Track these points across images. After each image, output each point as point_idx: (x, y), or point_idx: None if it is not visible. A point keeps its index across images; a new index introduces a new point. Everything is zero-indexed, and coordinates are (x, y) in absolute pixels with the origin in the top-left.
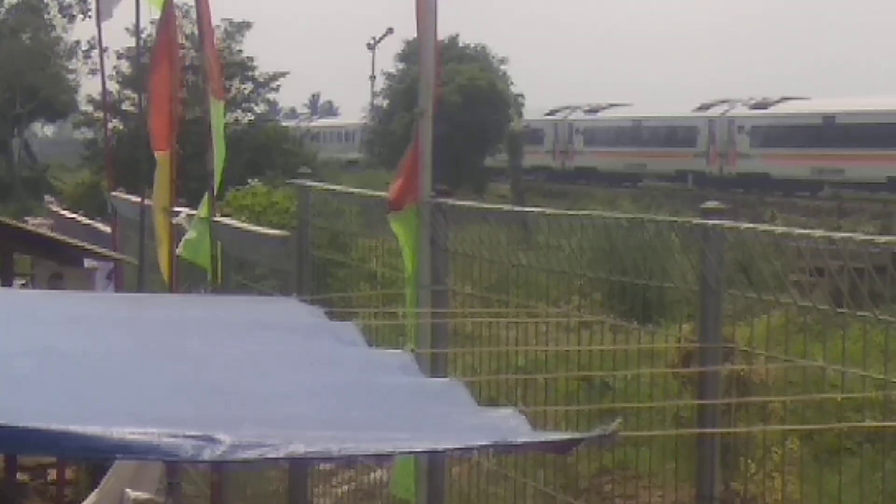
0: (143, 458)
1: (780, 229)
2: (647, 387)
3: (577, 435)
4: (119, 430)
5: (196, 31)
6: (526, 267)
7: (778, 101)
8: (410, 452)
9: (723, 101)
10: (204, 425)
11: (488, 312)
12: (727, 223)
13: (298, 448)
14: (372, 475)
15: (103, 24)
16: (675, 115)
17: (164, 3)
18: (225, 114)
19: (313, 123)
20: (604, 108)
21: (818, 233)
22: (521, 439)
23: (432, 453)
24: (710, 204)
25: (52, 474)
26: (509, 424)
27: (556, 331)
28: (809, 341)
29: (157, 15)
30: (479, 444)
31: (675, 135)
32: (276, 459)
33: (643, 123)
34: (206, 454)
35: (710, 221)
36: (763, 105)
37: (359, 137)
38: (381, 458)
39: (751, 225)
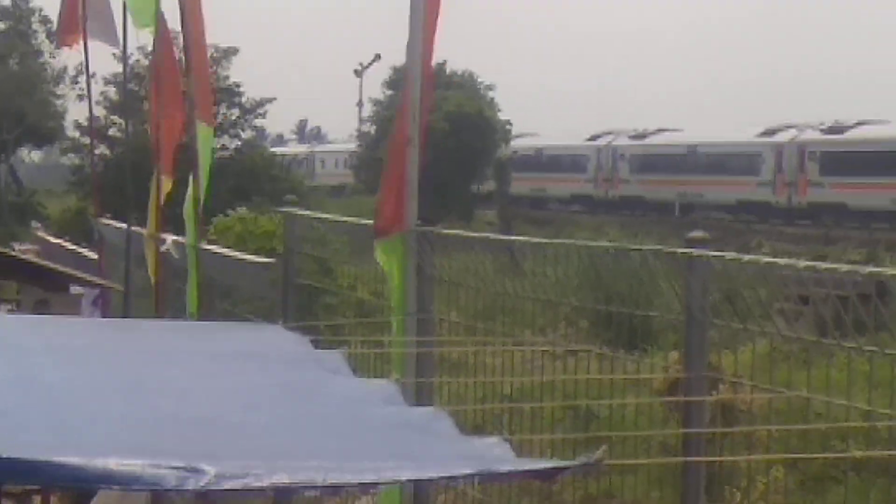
0: (126, 488)
1: (765, 259)
2: (632, 415)
3: (561, 463)
4: (103, 460)
5: (184, 57)
6: (512, 295)
7: (852, 126)
8: (395, 481)
9: (790, 126)
10: (188, 456)
11: (474, 341)
12: (712, 252)
13: (283, 478)
14: (357, 503)
15: (90, 49)
16: (734, 140)
17: (157, 28)
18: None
19: (318, 148)
20: (651, 134)
21: (802, 263)
22: (505, 468)
23: (417, 482)
24: (695, 233)
25: (37, 501)
26: (494, 453)
27: (543, 359)
28: (794, 370)
29: (144, 41)
30: (464, 472)
31: (734, 162)
32: (261, 489)
33: (698, 150)
34: (191, 484)
35: (695, 251)
36: (839, 130)
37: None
38: (365, 487)
39: (735, 255)
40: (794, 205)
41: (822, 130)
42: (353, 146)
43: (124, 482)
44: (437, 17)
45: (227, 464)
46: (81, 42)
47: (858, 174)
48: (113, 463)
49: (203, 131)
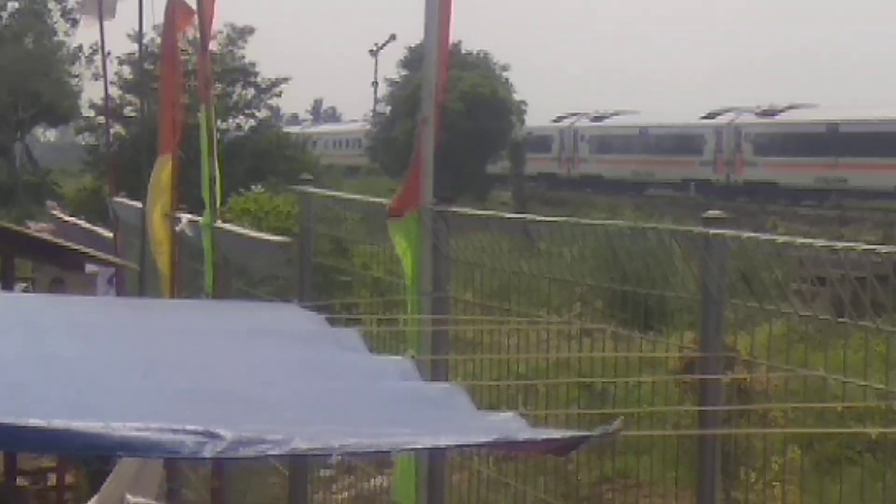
0: (144, 455)
1: (782, 238)
2: (647, 395)
3: (578, 433)
4: (120, 425)
5: (198, 36)
6: (527, 274)
7: (784, 110)
8: (412, 449)
9: (728, 110)
10: (205, 423)
11: (490, 320)
12: (729, 232)
13: (300, 444)
14: (372, 482)
15: (105, 29)
16: (681, 123)
17: (167, 6)
18: (218, 119)
19: (340, 127)
20: (608, 116)
21: (820, 242)
22: (522, 437)
23: (434, 450)
24: (712, 213)
25: (52, 479)
26: (510, 426)
27: (558, 338)
28: (811, 350)
29: (159, 20)
30: (481, 440)
31: (680, 143)
32: (278, 456)
33: (649, 131)
34: (208, 450)
35: (712, 230)
36: (771, 113)
37: None
38: (381, 456)
39: (753, 234)
40: (731, 182)
41: (756, 114)
42: (356, 126)
43: (141, 449)
44: None
45: (243, 429)
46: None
47: (787, 154)
48: (131, 428)
49: (203, 111)
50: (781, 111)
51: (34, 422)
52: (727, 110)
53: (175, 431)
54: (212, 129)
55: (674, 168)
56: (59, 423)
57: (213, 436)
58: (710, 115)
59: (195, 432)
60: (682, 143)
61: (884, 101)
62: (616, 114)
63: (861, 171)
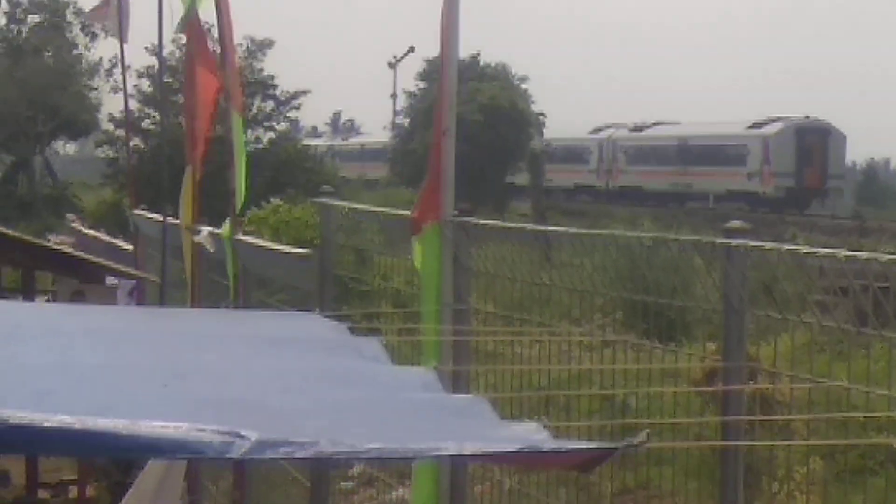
0: (170, 456)
1: (804, 249)
2: (668, 406)
3: (604, 445)
4: (146, 423)
5: (218, 49)
6: (549, 285)
7: (651, 126)
8: (438, 455)
9: (611, 126)
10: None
11: (510, 331)
12: (751, 242)
13: (326, 447)
14: (393, 493)
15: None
16: (574, 136)
17: (185, 17)
18: (245, 131)
19: (367, 139)
20: (649, 126)
21: (843, 252)
22: (548, 446)
23: (459, 457)
24: (734, 223)
25: (73, 492)
26: (534, 437)
27: (578, 349)
28: (833, 361)
29: (177, 34)
30: (506, 449)
31: (573, 154)
32: (303, 459)
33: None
34: (234, 451)
35: (734, 241)
36: (640, 129)
37: None
38: (407, 463)
39: (774, 244)
40: (610, 188)
41: (629, 129)
42: (374, 139)
43: (167, 449)
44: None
45: (269, 431)
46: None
47: (649, 164)
48: (156, 427)
49: (236, 120)
50: (649, 127)
51: (57, 421)
52: (608, 126)
53: (201, 431)
54: (236, 141)
55: (567, 175)
56: (81, 424)
57: (239, 436)
58: (595, 131)
59: (221, 432)
60: (573, 154)
61: (730, 119)
62: (657, 124)
63: (702, 177)
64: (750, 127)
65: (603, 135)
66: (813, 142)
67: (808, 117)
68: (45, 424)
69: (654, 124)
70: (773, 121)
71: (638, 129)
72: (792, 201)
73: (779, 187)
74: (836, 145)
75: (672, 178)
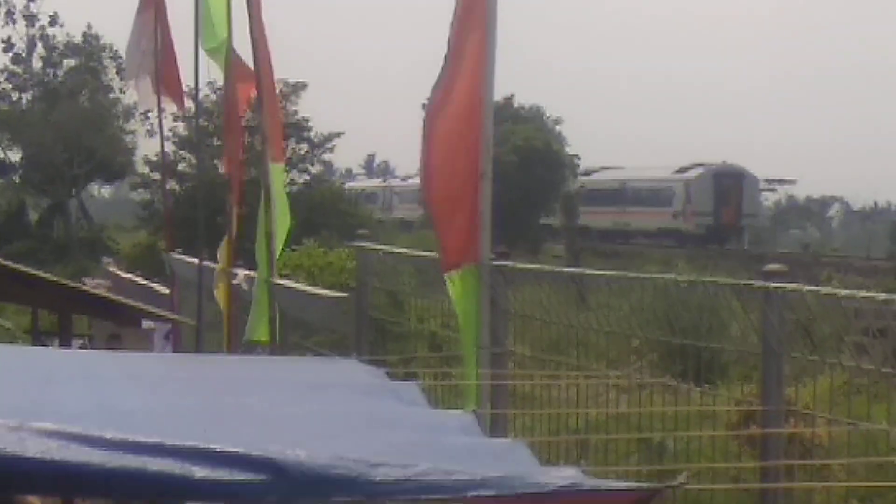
0: (209, 499)
1: (843, 292)
2: (704, 449)
3: (644, 485)
4: (186, 466)
5: (256, 93)
6: (585, 328)
7: (598, 170)
8: (482, 494)
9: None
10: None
11: (547, 374)
12: (789, 285)
13: (367, 483)
14: None
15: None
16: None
17: (227, 61)
18: (285, 175)
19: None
20: (596, 171)
21: (882, 295)
22: (589, 484)
23: (504, 497)
24: (772, 266)
25: None
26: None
27: (616, 392)
28: (871, 402)
29: (214, 76)
30: (549, 486)
31: None
32: (348, 497)
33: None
34: (272, 493)
35: (772, 284)
36: (588, 173)
37: None
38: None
39: (812, 287)
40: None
41: (579, 174)
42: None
43: (207, 492)
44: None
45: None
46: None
47: (595, 204)
48: (196, 469)
49: (275, 170)
50: (596, 171)
51: (98, 460)
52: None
53: (240, 474)
54: (269, 186)
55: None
56: (119, 463)
57: (278, 479)
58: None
59: (260, 476)
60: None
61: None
62: (604, 168)
63: (637, 217)
64: (676, 171)
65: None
66: (729, 184)
67: (724, 163)
68: (93, 463)
69: (602, 168)
70: (696, 166)
71: (586, 173)
72: (711, 237)
73: (699, 225)
74: (749, 187)
75: (613, 217)
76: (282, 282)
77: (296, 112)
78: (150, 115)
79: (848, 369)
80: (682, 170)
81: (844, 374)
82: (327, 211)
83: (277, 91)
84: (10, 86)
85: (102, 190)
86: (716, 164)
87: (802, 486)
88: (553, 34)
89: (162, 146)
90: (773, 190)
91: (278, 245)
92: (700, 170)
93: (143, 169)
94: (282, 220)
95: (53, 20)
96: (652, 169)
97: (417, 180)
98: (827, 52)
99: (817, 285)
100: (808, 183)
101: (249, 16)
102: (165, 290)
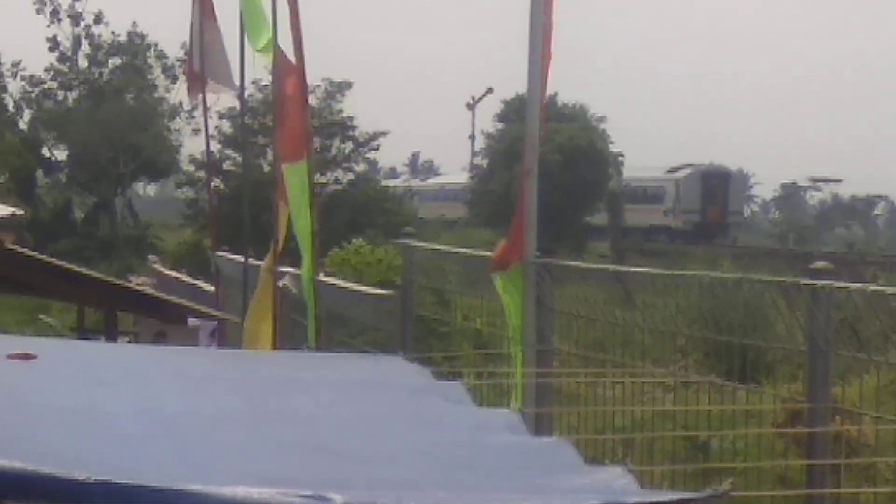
0: None
1: (890, 289)
2: (749, 448)
3: (688, 494)
4: (231, 489)
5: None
6: (630, 326)
7: None
8: None
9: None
10: (315, 485)
11: (592, 372)
12: (836, 283)
13: None
14: None
15: (219, 90)
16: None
17: (275, 59)
18: (317, 172)
19: (446, 180)
20: None
21: None
22: (632, 499)
23: None
24: (819, 264)
25: None
26: (618, 484)
27: (660, 390)
28: None
29: (259, 74)
30: (593, 502)
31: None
32: None
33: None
34: None
35: (819, 282)
36: None
37: None
38: None
39: (860, 285)
40: None
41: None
42: (453, 179)
43: None
44: (550, 52)
45: (354, 493)
46: (203, 91)
47: None
48: (240, 491)
49: (291, 170)
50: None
51: (145, 482)
52: None
53: (286, 495)
54: (310, 183)
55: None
56: (166, 483)
57: (325, 500)
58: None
59: (306, 496)
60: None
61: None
62: None
63: (633, 214)
64: (668, 171)
65: None
66: (716, 184)
67: (712, 163)
68: (137, 483)
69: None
70: (686, 166)
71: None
72: (699, 234)
73: (688, 222)
74: (736, 186)
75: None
76: (326, 279)
77: (340, 111)
78: (194, 113)
79: (894, 367)
80: (673, 170)
81: (891, 373)
82: (372, 209)
83: (322, 90)
84: (56, 84)
85: (148, 188)
86: (703, 165)
87: (849, 492)
88: (596, 32)
89: (207, 144)
90: (818, 189)
91: (305, 245)
92: (689, 170)
93: (188, 167)
94: (302, 221)
95: (98, 19)
96: (647, 169)
97: (437, 180)
98: (876, 49)
99: (863, 284)
100: (853, 182)
101: (290, 12)
102: (210, 288)
